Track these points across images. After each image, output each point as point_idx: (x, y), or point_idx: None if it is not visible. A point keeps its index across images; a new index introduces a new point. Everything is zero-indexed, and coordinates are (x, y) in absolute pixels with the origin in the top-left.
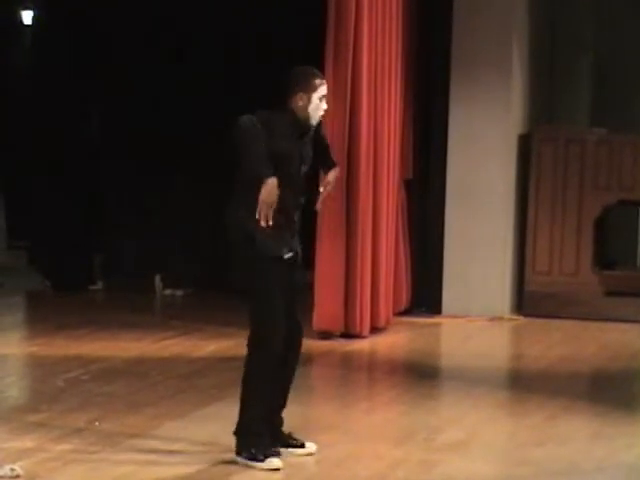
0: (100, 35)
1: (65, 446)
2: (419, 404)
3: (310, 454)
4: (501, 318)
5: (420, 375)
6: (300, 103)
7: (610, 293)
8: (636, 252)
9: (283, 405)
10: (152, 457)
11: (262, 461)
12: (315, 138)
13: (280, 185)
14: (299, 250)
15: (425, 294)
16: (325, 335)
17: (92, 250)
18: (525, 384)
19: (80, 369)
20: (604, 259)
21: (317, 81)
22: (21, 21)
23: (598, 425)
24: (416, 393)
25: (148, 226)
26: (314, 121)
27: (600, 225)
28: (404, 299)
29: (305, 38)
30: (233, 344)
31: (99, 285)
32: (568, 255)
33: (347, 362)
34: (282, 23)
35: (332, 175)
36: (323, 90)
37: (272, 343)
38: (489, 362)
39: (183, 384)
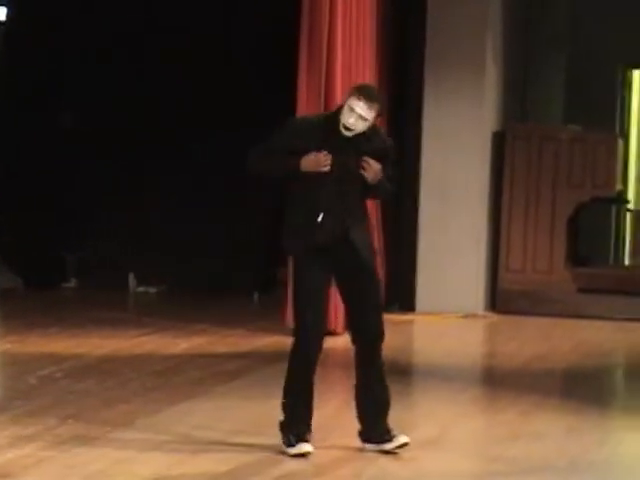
0: (74, 31)
1: (39, 443)
2: (393, 400)
3: (404, 444)
4: (475, 315)
5: (394, 372)
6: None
7: (583, 290)
8: (609, 249)
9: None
10: (125, 453)
11: (294, 446)
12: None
13: (312, 185)
14: (352, 236)
15: (399, 291)
16: None
17: (65, 248)
18: (499, 381)
19: (53, 366)
20: (577, 256)
21: (356, 91)
22: None
23: (571, 421)
24: (390, 389)
25: (121, 224)
26: (341, 127)
27: (573, 223)
28: None
29: (279, 39)
30: (205, 341)
31: (72, 283)
32: (541, 252)
33: (321, 359)
34: (254, 30)
35: (375, 164)
36: (355, 104)
37: (300, 344)
38: (463, 359)
39: (156, 381)
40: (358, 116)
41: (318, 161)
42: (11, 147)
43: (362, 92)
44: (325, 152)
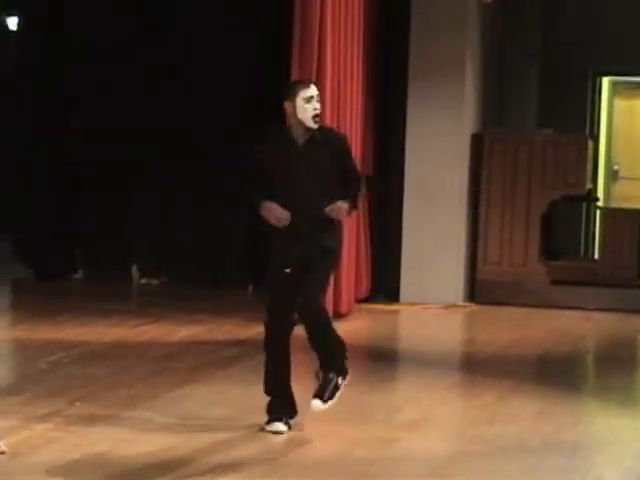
0: (81, 38)
1: (47, 425)
2: (378, 386)
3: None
4: (455, 305)
5: (379, 358)
6: (289, 111)
7: (556, 282)
8: (579, 244)
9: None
10: (128, 435)
11: (268, 424)
12: (335, 150)
13: (284, 193)
14: (314, 248)
15: (384, 283)
16: None
17: (73, 241)
18: (476, 367)
19: (62, 353)
20: (550, 250)
21: (298, 86)
22: (6, 27)
23: (544, 404)
24: (375, 376)
25: (126, 219)
26: (309, 123)
27: (546, 219)
28: (364, 287)
29: (274, 50)
30: (204, 330)
31: (80, 274)
32: (517, 247)
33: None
34: (248, 44)
35: (338, 204)
36: (307, 92)
37: (269, 329)
38: (443, 346)
39: (158, 367)
40: (316, 98)
41: (278, 218)
42: (24, 147)
43: (301, 82)
44: (286, 212)
